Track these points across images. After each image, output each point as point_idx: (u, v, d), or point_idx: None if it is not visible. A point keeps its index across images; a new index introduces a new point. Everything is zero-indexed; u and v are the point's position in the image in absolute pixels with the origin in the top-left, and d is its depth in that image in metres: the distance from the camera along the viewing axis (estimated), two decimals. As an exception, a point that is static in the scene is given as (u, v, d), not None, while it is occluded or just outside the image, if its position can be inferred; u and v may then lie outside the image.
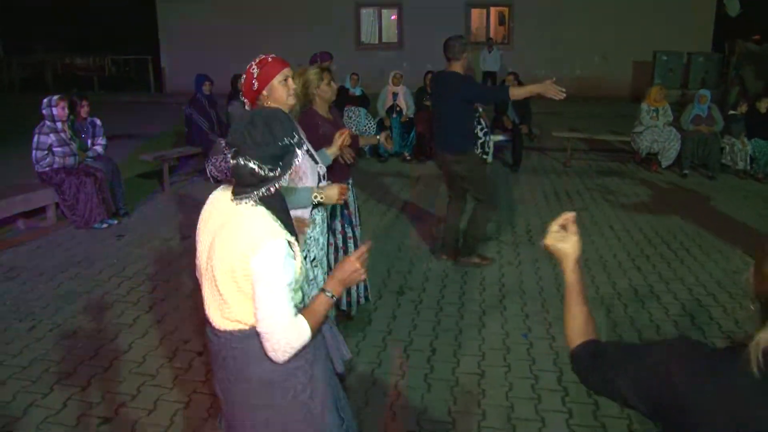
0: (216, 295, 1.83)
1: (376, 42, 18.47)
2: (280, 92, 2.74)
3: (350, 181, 3.82)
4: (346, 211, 3.80)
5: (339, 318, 3.95)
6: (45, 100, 5.99)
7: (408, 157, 9.45)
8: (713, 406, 1.07)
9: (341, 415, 2.01)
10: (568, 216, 1.53)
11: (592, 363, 1.33)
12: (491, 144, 9.18)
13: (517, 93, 4.90)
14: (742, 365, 1.06)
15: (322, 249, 3.13)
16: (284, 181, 1.81)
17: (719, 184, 8.12)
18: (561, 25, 16.55)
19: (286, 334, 1.74)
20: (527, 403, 3.30)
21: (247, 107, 2.88)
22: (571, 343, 1.43)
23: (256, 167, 1.74)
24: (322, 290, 1.89)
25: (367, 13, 18.36)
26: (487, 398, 3.35)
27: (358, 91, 9.49)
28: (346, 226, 3.79)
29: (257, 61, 2.74)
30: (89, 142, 6.53)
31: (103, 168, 6.36)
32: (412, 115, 9.41)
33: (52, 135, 5.96)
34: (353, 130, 9.38)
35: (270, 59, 2.74)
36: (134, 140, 10.84)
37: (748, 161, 8.38)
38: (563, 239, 1.51)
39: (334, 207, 3.53)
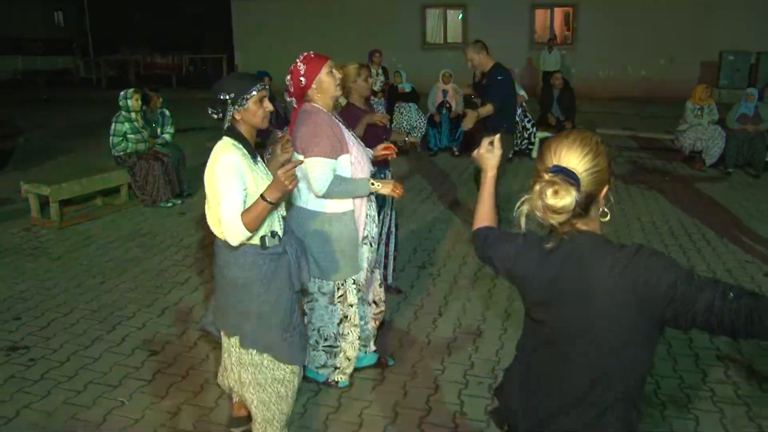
0: (209, 208, 2.45)
1: (441, 42, 18.88)
2: (328, 83, 2.91)
3: (389, 171, 4.12)
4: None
5: (389, 293, 4.42)
6: (121, 93, 6.80)
7: (456, 152, 9.86)
8: (529, 271, 1.64)
9: (289, 321, 2.57)
10: (494, 138, 1.93)
11: (482, 244, 1.84)
12: (536, 139, 9.51)
13: None
14: (543, 243, 1.62)
15: (376, 226, 3.38)
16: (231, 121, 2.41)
17: (762, 182, 8.14)
18: (625, 25, 16.35)
19: (229, 224, 2.32)
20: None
21: (295, 105, 3.09)
22: (475, 225, 1.91)
23: (209, 108, 2.40)
24: (261, 196, 2.31)
25: (432, 14, 18.82)
26: (479, 353, 3.79)
27: (408, 87, 9.98)
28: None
29: (301, 58, 2.91)
30: (159, 130, 7.31)
31: (170, 154, 7.13)
32: (461, 112, 9.80)
33: (126, 123, 6.75)
34: (404, 125, 9.90)
35: (313, 55, 2.92)
36: (206, 131, 11.68)
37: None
38: (491, 153, 1.92)
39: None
